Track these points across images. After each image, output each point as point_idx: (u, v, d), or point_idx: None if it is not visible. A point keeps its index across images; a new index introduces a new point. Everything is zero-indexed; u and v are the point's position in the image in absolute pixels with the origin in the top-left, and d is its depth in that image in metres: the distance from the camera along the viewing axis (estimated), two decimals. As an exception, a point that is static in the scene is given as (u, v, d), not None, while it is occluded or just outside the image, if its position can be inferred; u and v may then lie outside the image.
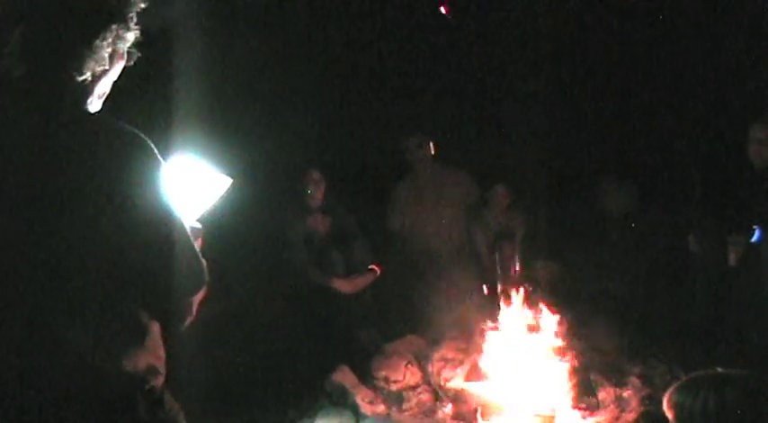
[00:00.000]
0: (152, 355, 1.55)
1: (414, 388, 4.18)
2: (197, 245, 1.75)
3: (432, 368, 4.31)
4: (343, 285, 5.07)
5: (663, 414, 3.22)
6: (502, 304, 4.38)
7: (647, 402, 3.84)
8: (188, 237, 1.56)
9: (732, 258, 4.32)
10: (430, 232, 5.73)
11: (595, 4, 6.48)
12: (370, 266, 5.24)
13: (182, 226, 1.54)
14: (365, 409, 3.91)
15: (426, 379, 4.26)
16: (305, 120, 6.13)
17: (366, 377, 4.26)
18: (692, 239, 4.71)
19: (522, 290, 4.41)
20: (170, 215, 1.51)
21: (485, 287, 5.09)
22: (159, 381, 1.57)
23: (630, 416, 3.77)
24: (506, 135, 6.54)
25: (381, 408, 3.98)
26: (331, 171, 5.34)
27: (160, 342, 1.60)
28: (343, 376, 4.16)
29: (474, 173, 5.92)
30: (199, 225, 1.84)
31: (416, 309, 5.10)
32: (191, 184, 1.84)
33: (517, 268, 5.38)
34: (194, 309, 1.63)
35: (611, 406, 3.89)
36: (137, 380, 1.50)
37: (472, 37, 6.80)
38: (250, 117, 5.73)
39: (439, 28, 6.78)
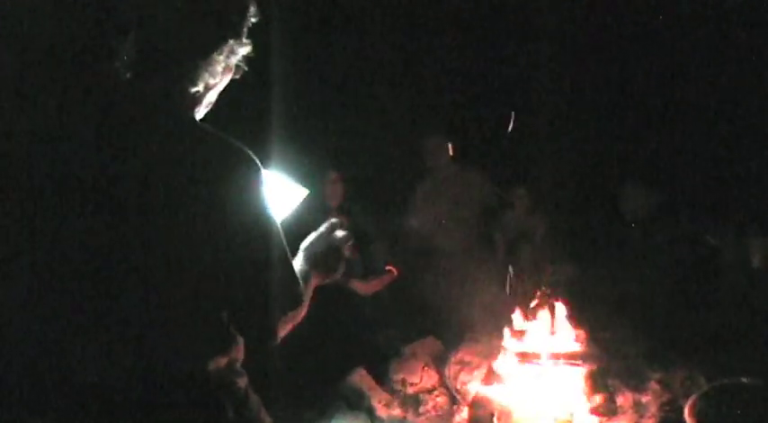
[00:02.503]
0: (234, 357, 1.55)
1: (430, 391, 4.17)
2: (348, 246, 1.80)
3: (449, 371, 4.29)
4: (360, 286, 5.06)
5: (682, 420, 3.20)
6: (520, 308, 4.35)
7: (666, 408, 3.81)
8: (287, 256, 1.53)
9: (756, 260, 4.28)
10: (448, 234, 5.71)
11: (620, 7, 6.44)
12: (387, 268, 5.22)
13: (281, 244, 1.51)
14: (381, 412, 3.91)
15: (443, 382, 4.24)
16: (323, 120, 6.13)
17: (383, 380, 4.25)
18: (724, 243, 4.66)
19: (540, 293, 4.39)
20: (270, 232, 1.49)
21: (503, 290, 5.06)
22: (244, 381, 1.58)
23: (649, 422, 3.74)
24: (527, 137, 6.51)
25: (397, 411, 3.97)
26: (349, 172, 5.34)
27: (242, 345, 1.59)
28: (360, 378, 4.15)
29: (493, 174, 5.89)
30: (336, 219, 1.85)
31: (434, 311, 5.09)
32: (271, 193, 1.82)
33: (536, 271, 5.35)
34: (283, 331, 1.58)
35: (630, 411, 3.85)
36: (223, 381, 1.51)
37: (494, 38, 6.78)
38: (271, 118, 5.74)
39: (460, 28, 6.75)
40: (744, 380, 2.52)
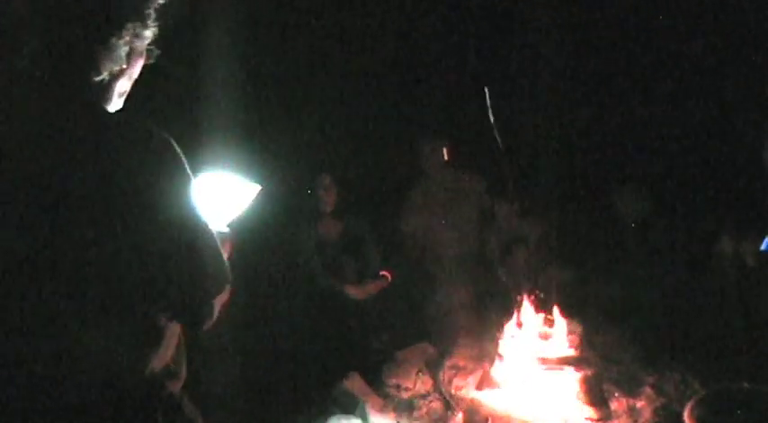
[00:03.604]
0: (170, 360, 1.53)
1: (424, 396, 4.16)
2: (225, 249, 1.73)
3: (443, 376, 4.28)
4: (354, 291, 5.05)
5: (676, 425, 3.19)
6: (514, 312, 4.34)
7: (660, 413, 3.80)
8: (213, 238, 1.52)
9: (750, 265, 4.28)
10: (442, 238, 5.69)
11: (612, 9, 6.44)
12: (381, 272, 5.21)
13: (206, 227, 1.50)
14: (375, 417, 3.89)
15: (437, 387, 4.23)
16: (317, 124, 6.12)
17: (377, 384, 4.24)
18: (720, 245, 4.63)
19: (534, 297, 4.38)
20: (194, 216, 1.47)
21: (497, 294, 5.05)
22: (177, 386, 1.55)
23: (644, 427, 3.74)
24: (521, 140, 6.51)
25: (391, 416, 3.95)
26: (343, 176, 5.33)
27: (179, 347, 1.57)
28: (354, 383, 4.14)
29: (488, 178, 5.88)
30: (227, 229, 1.82)
31: (428, 315, 5.08)
32: (220, 192, 1.83)
33: (530, 275, 5.34)
34: (216, 311, 1.57)
35: (624, 416, 3.84)
36: (154, 385, 1.48)
37: (487, 42, 6.78)
38: (264, 122, 5.73)
39: (454, 32, 6.75)
40: (745, 385, 2.51)
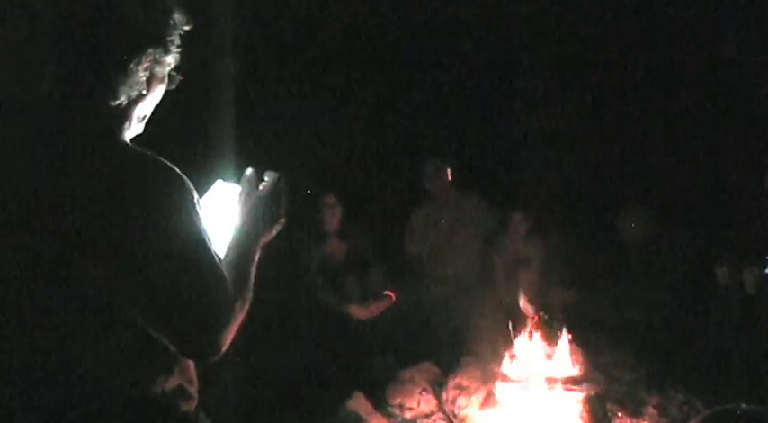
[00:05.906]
0: (182, 379, 1.52)
1: (428, 416, 4.15)
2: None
3: (446, 396, 4.27)
4: (358, 311, 5.05)
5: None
6: (518, 332, 4.35)
7: (663, 433, 3.80)
8: (221, 273, 1.49)
9: (749, 287, 4.28)
10: (447, 258, 5.71)
11: (616, 30, 6.47)
12: (385, 292, 5.22)
13: (212, 262, 1.47)
14: (378, 436, 3.89)
15: (441, 407, 4.22)
16: (322, 143, 6.15)
17: (380, 404, 4.23)
18: (721, 269, 4.62)
19: (539, 318, 4.38)
20: (201, 250, 1.45)
21: (502, 314, 5.05)
22: (191, 405, 1.54)
23: (647, 447, 3.73)
24: (526, 161, 6.53)
25: (395, 436, 3.95)
26: (347, 196, 5.35)
27: (191, 365, 1.56)
28: (358, 403, 4.13)
29: (492, 199, 5.90)
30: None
31: (432, 335, 5.07)
32: (233, 206, 1.79)
33: (534, 296, 5.34)
34: (224, 344, 1.52)
35: (628, 437, 3.84)
36: (166, 404, 1.48)
37: (492, 63, 6.82)
38: (268, 140, 5.76)
39: (458, 53, 6.79)
40: (743, 405, 2.50)
